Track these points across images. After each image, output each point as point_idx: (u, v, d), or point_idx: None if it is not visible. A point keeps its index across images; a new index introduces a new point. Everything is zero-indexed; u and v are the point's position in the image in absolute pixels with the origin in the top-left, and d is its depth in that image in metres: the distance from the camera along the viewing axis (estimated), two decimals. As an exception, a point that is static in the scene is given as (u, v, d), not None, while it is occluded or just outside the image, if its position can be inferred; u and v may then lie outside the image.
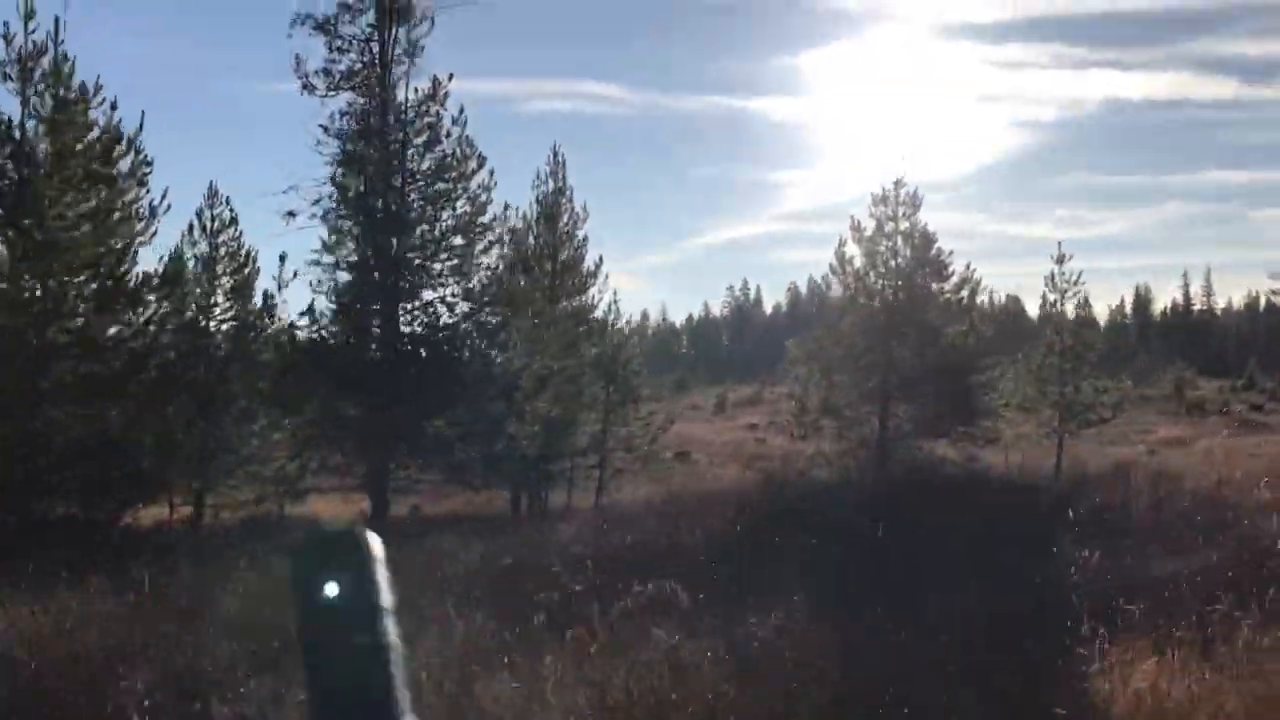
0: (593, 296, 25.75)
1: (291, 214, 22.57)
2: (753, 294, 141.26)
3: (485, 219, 19.33)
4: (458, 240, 18.62)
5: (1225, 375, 75.61)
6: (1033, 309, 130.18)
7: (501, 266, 20.39)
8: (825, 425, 19.00)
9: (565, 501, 25.11)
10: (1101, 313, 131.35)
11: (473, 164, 19.45)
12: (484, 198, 19.30)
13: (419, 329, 18.20)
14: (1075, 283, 23.28)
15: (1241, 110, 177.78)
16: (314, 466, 17.64)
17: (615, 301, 25.67)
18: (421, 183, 19.19)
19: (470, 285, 18.31)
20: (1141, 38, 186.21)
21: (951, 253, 18.82)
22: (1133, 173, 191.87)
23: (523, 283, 24.74)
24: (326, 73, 25.86)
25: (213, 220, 21.36)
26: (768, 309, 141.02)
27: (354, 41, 27.74)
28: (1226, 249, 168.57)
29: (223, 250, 21.37)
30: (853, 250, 19.03)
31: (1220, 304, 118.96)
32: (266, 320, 20.56)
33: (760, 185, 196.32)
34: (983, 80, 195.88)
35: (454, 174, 18.92)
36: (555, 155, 25.61)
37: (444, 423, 17.63)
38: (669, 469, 25.59)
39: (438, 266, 18.57)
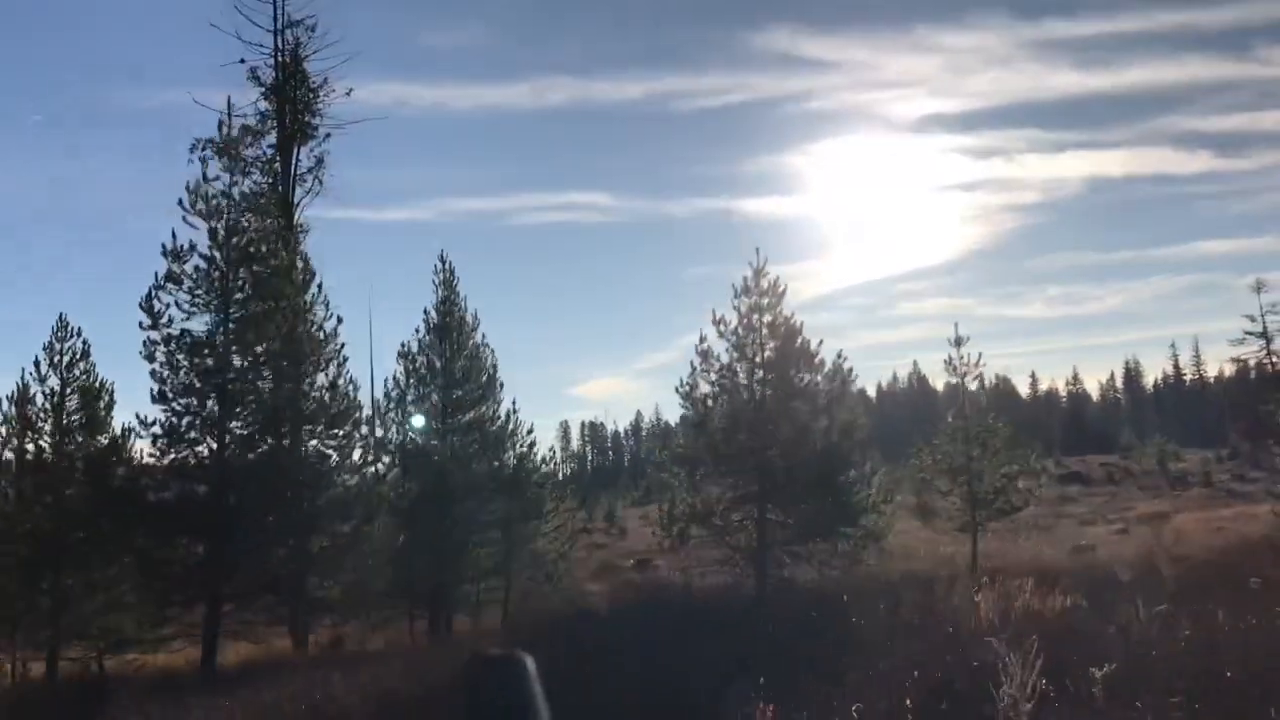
0: (490, 409, 24.50)
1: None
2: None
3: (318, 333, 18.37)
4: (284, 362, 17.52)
5: (1216, 445, 74.26)
6: (1024, 389, 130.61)
7: (348, 387, 19.27)
8: (696, 533, 17.69)
9: (469, 626, 23.78)
10: (1093, 388, 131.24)
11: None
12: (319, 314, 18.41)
13: (250, 456, 16.98)
14: (977, 364, 22.21)
15: (1219, 182, 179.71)
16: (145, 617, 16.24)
17: (515, 411, 24.43)
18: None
19: (302, 407, 17.16)
20: (1116, 116, 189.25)
21: (821, 343, 17.76)
22: (1119, 248, 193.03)
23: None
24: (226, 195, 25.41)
25: (62, 354, 20.47)
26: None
27: (257, 163, 27.63)
28: (1216, 318, 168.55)
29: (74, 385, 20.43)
30: (717, 345, 17.99)
31: (1211, 373, 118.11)
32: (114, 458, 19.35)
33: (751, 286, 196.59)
34: (963, 168, 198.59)
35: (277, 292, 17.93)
36: (444, 262, 24.74)
37: (285, 555, 16.36)
38: (560, 588, 24.10)
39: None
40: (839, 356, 17.94)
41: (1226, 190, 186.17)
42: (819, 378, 17.68)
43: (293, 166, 29.40)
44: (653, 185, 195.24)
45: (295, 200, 29.45)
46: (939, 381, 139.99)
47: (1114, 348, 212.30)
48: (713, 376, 17.97)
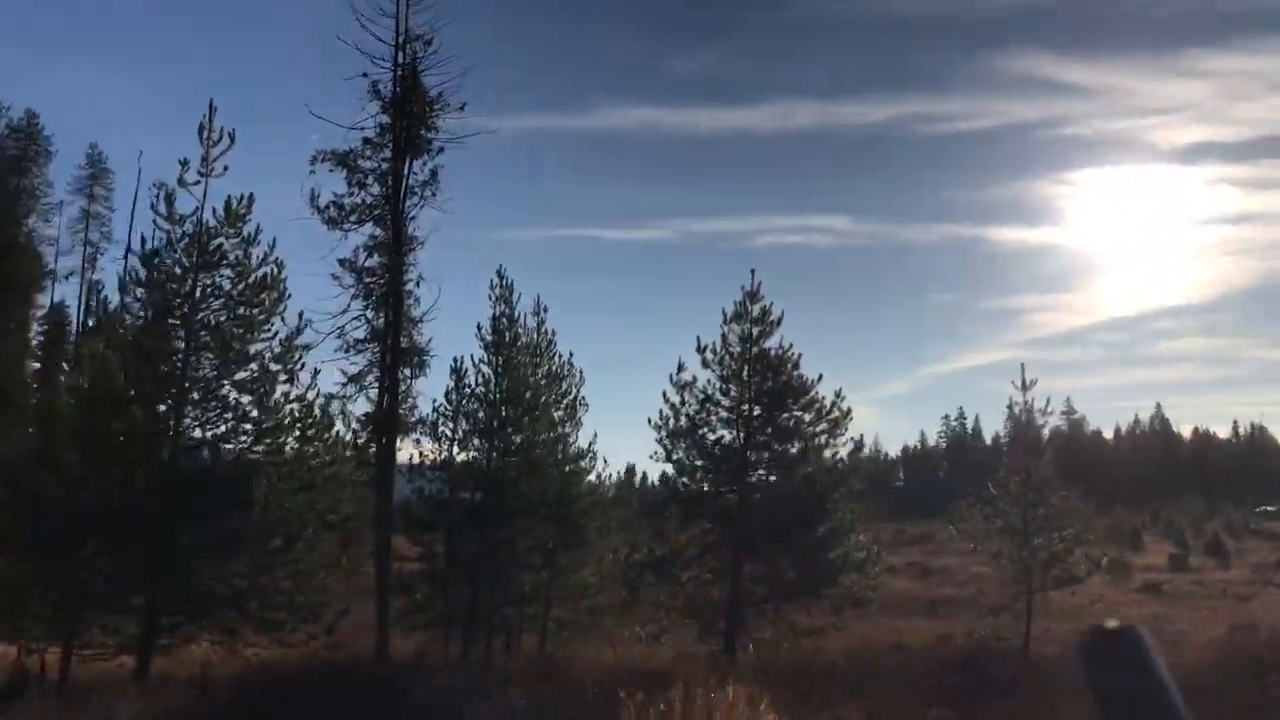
0: (539, 430, 23.73)
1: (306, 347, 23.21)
2: (970, 423, 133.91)
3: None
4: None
5: None
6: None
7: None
8: (653, 583, 16.07)
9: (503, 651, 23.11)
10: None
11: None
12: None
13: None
14: (1046, 411, 19.45)
15: None
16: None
17: (561, 433, 23.59)
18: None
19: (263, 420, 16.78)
20: None
21: (820, 378, 15.78)
22: None
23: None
24: (339, 206, 26.25)
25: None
26: (987, 438, 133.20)
27: (372, 175, 28.17)
28: None
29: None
30: (700, 374, 16.35)
31: None
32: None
33: (1000, 312, 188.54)
34: (1233, 200, 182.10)
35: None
36: (501, 278, 24.30)
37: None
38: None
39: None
40: (838, 395, 15.98)
41: None
42: (809, 415, 15.78)
43: (404, 180, 29.79)
44: (894, 210, 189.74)
45: (406, 212, 29.88)
46: (1186, 427, 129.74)
47: None
48: (692, 409, 16.37)
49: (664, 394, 16.64)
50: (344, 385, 24.99)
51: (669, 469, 16.90)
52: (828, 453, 15.75)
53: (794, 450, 15.70)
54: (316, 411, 16.58)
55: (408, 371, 25.06)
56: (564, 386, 25.10)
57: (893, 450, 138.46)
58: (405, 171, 30.76)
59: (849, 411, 16.03)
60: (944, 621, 28.39)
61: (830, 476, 15.27)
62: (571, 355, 25.39)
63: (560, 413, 24.56)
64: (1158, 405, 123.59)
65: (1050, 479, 20.33)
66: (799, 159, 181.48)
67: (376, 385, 24.08)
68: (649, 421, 15.82)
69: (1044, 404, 20.75)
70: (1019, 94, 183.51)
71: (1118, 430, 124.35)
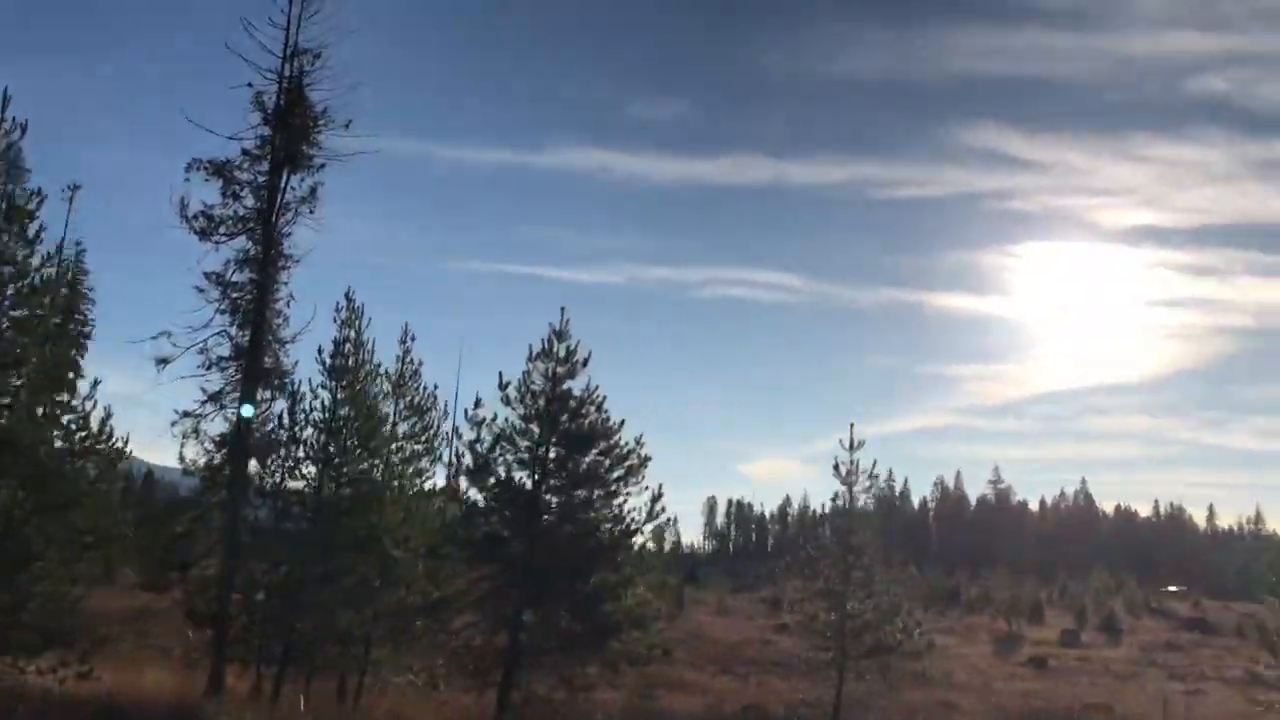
0: (372, 465, 22.86)
1: (164, 360, 21.93)
2: (899, 486, 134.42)
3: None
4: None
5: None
6: (1201, 520, 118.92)
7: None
8: (425, 627, 15.26)
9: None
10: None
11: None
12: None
13: None
14: (871, 474, 19.08)
15: None
16: None
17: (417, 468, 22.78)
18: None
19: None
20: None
21: (623, 423, 15.17)
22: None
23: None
24: (209, 217, 25.52)
25: None
26: (915, 503, 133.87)
27: (247, 187, 27.34)
28: None
29: None
30: (501, 412, 15.68)
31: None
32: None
33: (938, 378, 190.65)
34: (1172, 284, 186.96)
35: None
36: (349, 300, 23.70)
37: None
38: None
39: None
40: (637, 441, 15.41)
41: None
42: (608, 461, 15.19)
43: (280, 194, 29.05)
44: (842, 271, 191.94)
45: (280, 228, 29.11)
46: (1109, 503, 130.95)
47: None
48: (485, 446, 15.70)
49: (456, 430, 16.05)
50: (202, 404, 24.22)
51: (454, 509, 16.14)
52: (618, 500, 15.16)
53: (585, 496, 15.06)
54: (93, 425, 15.65)
55: (268, 393, 24.30)
56: (428, 419, 24.32)
57: (821, 507, 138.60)
58: (282, 185, 30.00)
59: (647, 459, 15.45)
60: (782, 684, 27.67)
61: (618, 525, 14.64)
62: (436, 387, 24.67)
63: (418, 446, 23.76)
64: (1083, 480, 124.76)
65: (871, 543, 19.87)
66: (750, 213, 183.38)
67: (236, 405, 23.32)
68: (441, 458, 15.31)
69: (870, 467, 20.24)
70: (970, 164, 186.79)
71: (1043, 502, 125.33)
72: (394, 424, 23.32)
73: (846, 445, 20.23)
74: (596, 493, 14.96)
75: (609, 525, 14.72)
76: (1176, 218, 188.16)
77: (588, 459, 15.24)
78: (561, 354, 15.50)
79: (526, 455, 15.47)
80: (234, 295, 24.32)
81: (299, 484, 22.16)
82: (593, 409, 15.29)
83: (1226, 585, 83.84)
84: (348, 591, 21.46)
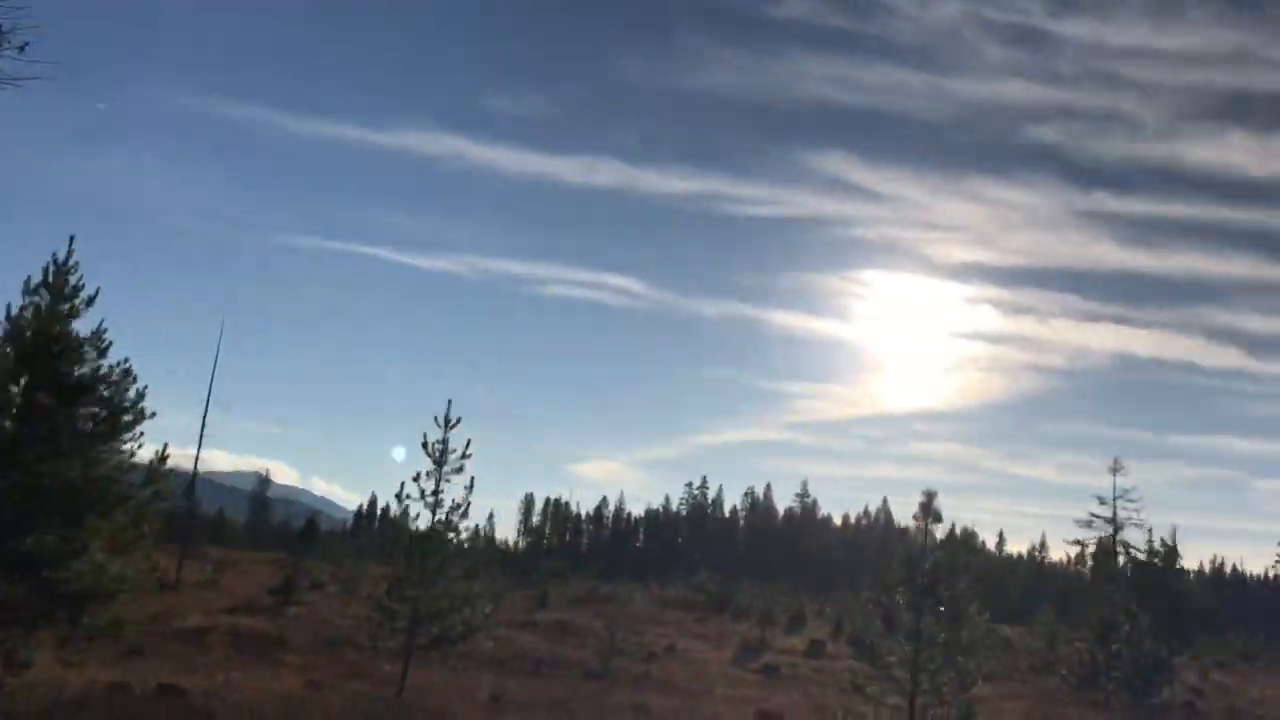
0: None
1: None
2: (712, 494, 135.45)
3: None
4: None
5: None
6: (993, 544, 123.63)
7: None
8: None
9: None
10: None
11: None
12: None
13: None
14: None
15: (1247, 381, 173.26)
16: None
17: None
18: None
19: None
20: (1152, 297, 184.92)
21: (126, 373, 13.67)
22: (1138, 428, 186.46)
23: None
24: None
25: None
26: (726, 510, 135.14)
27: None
28: (1229, 516, 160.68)
29: None
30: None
31: (1192, 566, 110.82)
32: None
33: (772, 394, 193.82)
34: (993, 321, 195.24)
35: None
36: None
37: None
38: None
39: None
40: (139, 394, 13.93)
41: (1254, 390, 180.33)
42: (104, 412, 13.72)
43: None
44: (686, 281, 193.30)
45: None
46: (908, 520, 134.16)
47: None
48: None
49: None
50: None
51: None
52: (107, 457, 13.63)
53: (68, 447, 13.50)
54: None
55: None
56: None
57: (637, 510, 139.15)
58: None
59: (145, 413, 13.95)
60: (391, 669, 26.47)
61: (95, 486, 13.12)
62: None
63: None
64: (884, 499, 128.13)
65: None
66: (600, 216, 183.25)
67: None
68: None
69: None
70: (816, 189, 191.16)
71: (845, 518, 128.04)
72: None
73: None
74: (80, 446, 13.44)
75: (83, 484, 13.20)
76: (1002, 257, 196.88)
77: (79, 410, 13.73)
78: (65, 289, 13.91)
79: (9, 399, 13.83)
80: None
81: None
82: (94, 354, 13.79)
83: (1008, 606, 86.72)
84: None
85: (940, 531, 20.95)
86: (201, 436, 43.89)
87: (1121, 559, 47.71)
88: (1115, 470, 46.80)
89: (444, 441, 16.92)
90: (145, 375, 13.46)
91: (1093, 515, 47.27)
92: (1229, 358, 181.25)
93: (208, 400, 45.05)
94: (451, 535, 16.66)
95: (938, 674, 20.18)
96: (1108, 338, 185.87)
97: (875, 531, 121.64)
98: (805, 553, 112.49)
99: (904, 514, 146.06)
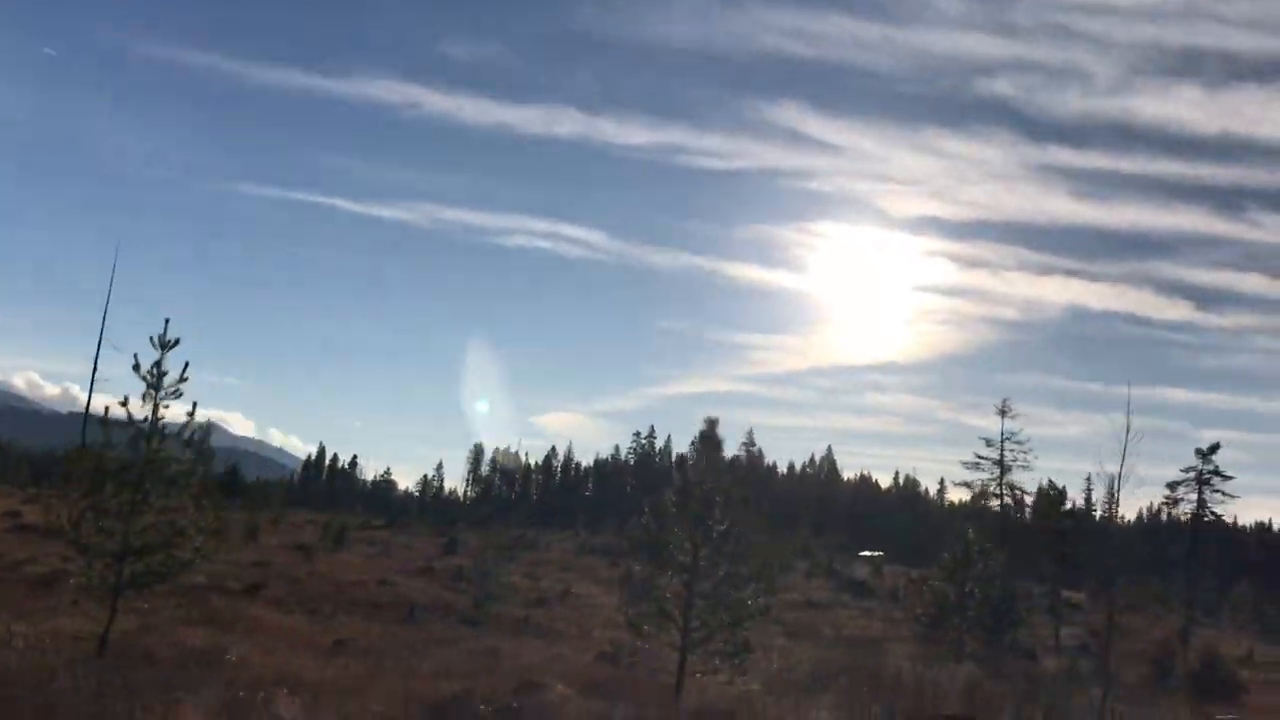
0: None
1: None
2: (660, 443, 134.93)
3: None
4: None
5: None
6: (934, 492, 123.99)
7: None
8: None
9: None
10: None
11: None
12: None
13: None
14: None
15: (1194, 334, 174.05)
16: None
17: None
18: None
19: None
20: (1104, 251, 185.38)
21: None
22: (1089, 379, 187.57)
23: None
24: None
25: None
26: (674, 459, 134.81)
27: None
28: (1172, 465, 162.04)
29: None
30: None
31: (1130, 516, 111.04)
32: None
33: (728, 345, 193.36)
34: (948, 273, 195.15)
35: None
36: None
37: None
38: None
39: None
40: None
41: (1200, 344, 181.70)
42: None
43: None
44: (643, 232, 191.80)
45: None
46: (849, 472, 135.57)
47: (1067, 475, 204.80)
48: None
49: None
50: None
51: None
52: None
53: None
54: None
55: None
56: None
57: (586, 460, 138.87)
58: None
59: None
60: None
61: None
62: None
63: None
64: (829, 448, 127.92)
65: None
66: (559, 166, 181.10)
67: None
68: None
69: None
70: (772, 141, 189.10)
71: (791, 467, 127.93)
72: None
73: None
74: None
75: None
76: (957, 210, 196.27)
77: None
78: None
79: None
80: None
81: None
82: None
83: (940, 553, 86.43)
84: None
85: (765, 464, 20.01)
86: (94, 380, 42.30)
87: (1006, 500, 47.31)
88: (1004, 413, 46.36)
89: (159, 364, 15.93)
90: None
91: (979, 457, 46.88)
92: (1178, 310, 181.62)
93: (99, 344, 43.52)
94: (170, 462, 15.72)
95: (716, 610, 19.44)
96: (1060, 290, 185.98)
97: (818, 481, 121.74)
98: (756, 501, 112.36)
99: (851, 464, 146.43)
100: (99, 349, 45.39)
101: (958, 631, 30.96)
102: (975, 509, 50.14)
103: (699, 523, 19.71)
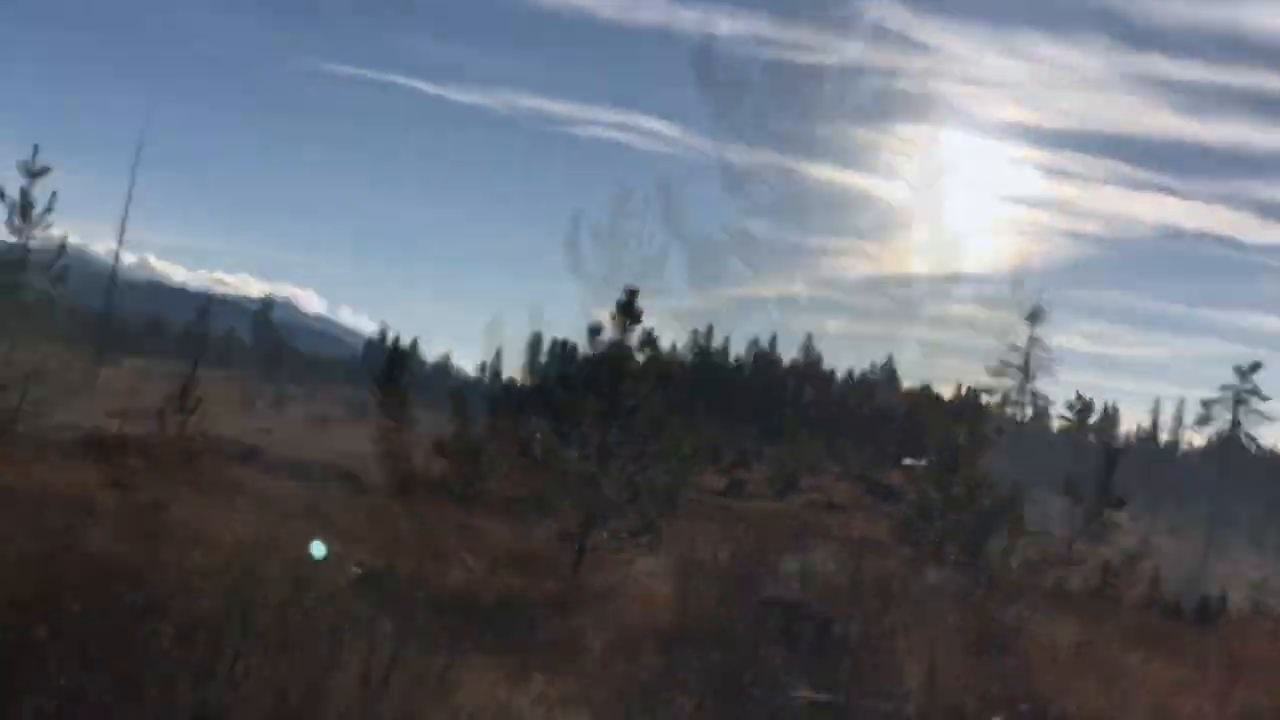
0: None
1: None
2: (718, 342, 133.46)
3: None
4: None
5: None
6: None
7: None
8: None
9: None
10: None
11: None
12: None
13: None
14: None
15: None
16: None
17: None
18: None
19: None
20: (1200, 169, 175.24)
21: None
22: (1174, 300, 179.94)
23: None
24: None
25: None
26: (732, 360, 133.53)
27: None
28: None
29: None
30: None
31: (1200, 443, 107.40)
32: None
33: (804, 249, 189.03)
34: (1033, 183, 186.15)
35: None
36: None
37: None
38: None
39: None
40: None
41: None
42: None
43: None
44: (720, 126, 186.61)
45: None
46: (909, 381, 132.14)
47: (1144, 398, 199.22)
48: None
49: None
50: None
51: None
52: None
53: None
54: None
55: None
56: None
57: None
58: None
59: None
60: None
61: None
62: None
63: None
64: (889, 356, 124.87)
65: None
66: (637, 54, 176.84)
67: None
68: None
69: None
70: (859, 37, 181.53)
71: (849, 374, 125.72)
72: None
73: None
74: None
75: None
76: (1047, 118, 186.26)
77: None
78: None
79: None
80: None
81: None
82: None
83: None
84: None
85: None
86: (121, 239, 42.69)
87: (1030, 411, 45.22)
88: (1034, 318, 44.04)
89: (26, 193, 15.18)
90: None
91: (1003, 363, 44.72)
92: (1275, 234, 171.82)
93: (126, 205, 43.75)
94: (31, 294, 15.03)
95: (620, 488, 18.46)
96: (1152, 208, 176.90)
97: (875, 389, 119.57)
98: (800, 403, 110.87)
99: (912, 375, 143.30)
100: (126, 211, 45.81)
101: (938, 535, 29.57)
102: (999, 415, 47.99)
103: (609, 397, 18.64)
